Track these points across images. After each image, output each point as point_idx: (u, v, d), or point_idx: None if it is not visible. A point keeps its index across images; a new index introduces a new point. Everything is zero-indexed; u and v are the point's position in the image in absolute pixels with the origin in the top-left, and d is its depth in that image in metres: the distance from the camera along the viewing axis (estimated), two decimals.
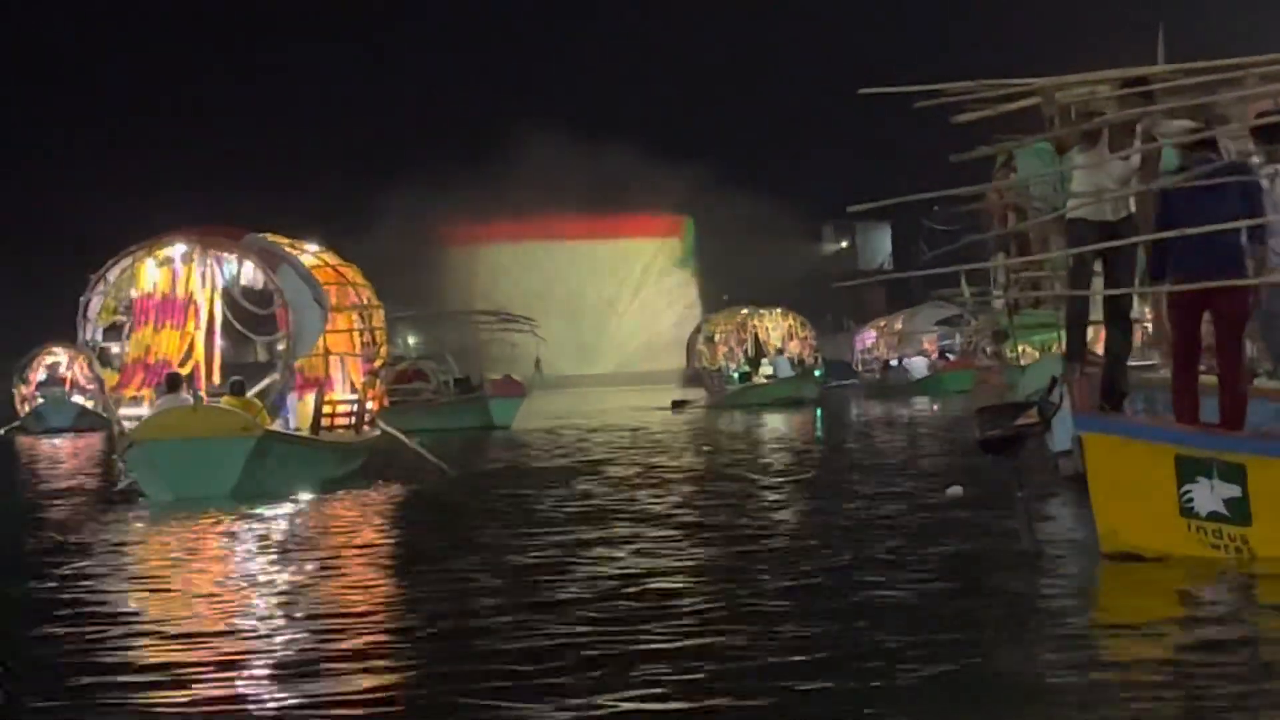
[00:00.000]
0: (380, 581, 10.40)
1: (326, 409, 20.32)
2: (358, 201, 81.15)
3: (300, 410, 19.87)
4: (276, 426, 18.56)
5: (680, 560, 10.42)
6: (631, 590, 9.03)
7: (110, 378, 18.81)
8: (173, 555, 12.38)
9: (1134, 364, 11.14)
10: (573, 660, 7.02)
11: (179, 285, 18.87)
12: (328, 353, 20.75)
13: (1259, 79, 8.95)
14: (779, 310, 51.15)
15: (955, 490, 13.48)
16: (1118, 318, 10.02)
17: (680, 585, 9.24)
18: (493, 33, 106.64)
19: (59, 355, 49.32)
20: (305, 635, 8.13)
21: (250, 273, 19.05)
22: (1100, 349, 10.55)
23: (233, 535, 13.59)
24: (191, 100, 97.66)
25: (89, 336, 18.84)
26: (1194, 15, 54.07)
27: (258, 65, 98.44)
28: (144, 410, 18.27)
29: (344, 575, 10.66)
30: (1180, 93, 9.23)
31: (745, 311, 50.97)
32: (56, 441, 36.84)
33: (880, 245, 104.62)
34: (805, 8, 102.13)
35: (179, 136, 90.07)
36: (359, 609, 8.99)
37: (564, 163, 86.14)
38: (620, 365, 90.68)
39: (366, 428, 21.15)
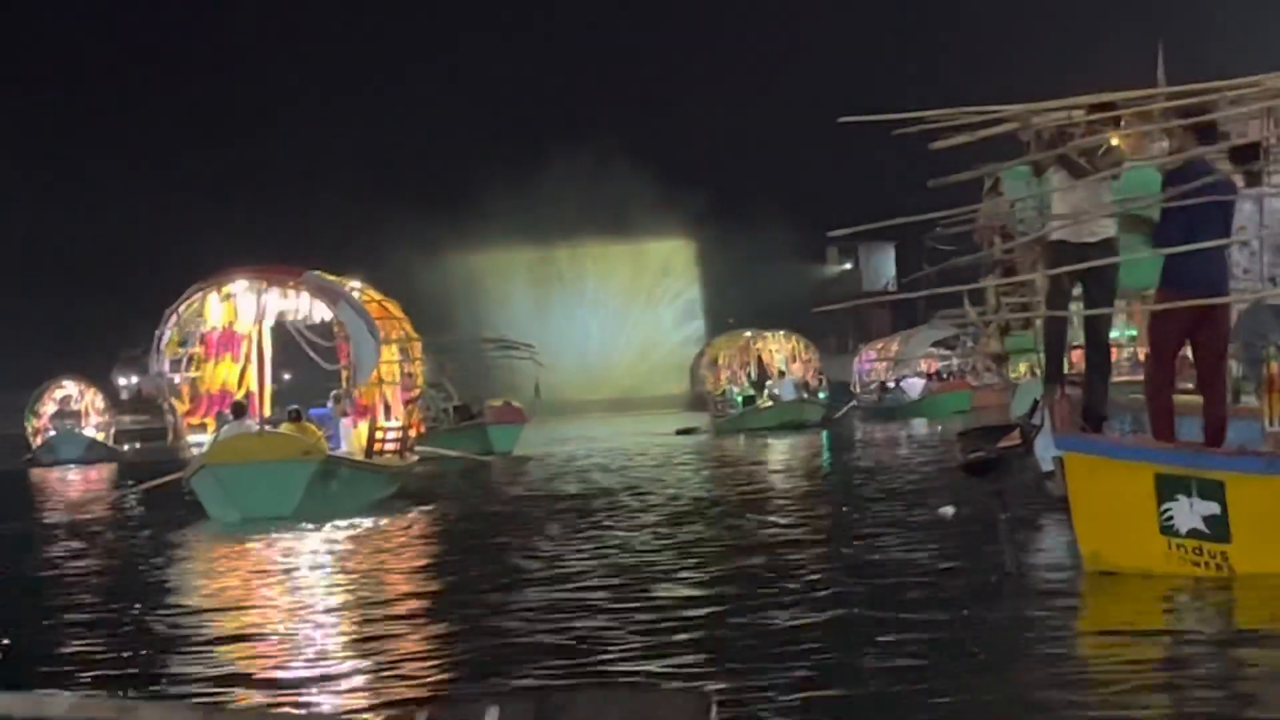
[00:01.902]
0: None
1: (378, 434, 21.51)
2: (364, 230, 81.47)
3: (353, 436, 21.07)
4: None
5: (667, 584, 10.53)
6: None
7: (180, 407, 20.18)
8: (250, 569, 13.36)
9: (1119, 381, 11.25)
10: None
11: (236, 320, 20.35)
12: (380, 382, 21.82)
13: (1229, 103, 9.09)
14: (782, 333, 51.12)
15: (947, 510, 13.58)
16: (1097, 340, 10.13)
17: (665, 611, 9.35)
18: (492, 61, 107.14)
19: (70, 388, 49.98)
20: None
21: (308, 307, 20.55)
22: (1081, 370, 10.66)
23: (304, 552, 14.62)
24: (208, 133, 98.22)
25: (159, 368, 20.25)
26: (1195, 33, 54.30)
27: (271, 95, 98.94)
28: (205, 438, 19.73)
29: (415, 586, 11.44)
30: (1150, 116, 9.36)
31: (749, 335, 50.93)
32: (70, 474, 37.00)
33: (884, 266, 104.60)
34: (804, 37, 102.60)
35: (196, 171, 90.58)
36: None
37: (572, 189, 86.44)
38: (624, 390, 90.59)
39: (406, 453, 22.47)
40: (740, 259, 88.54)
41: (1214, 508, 8.82)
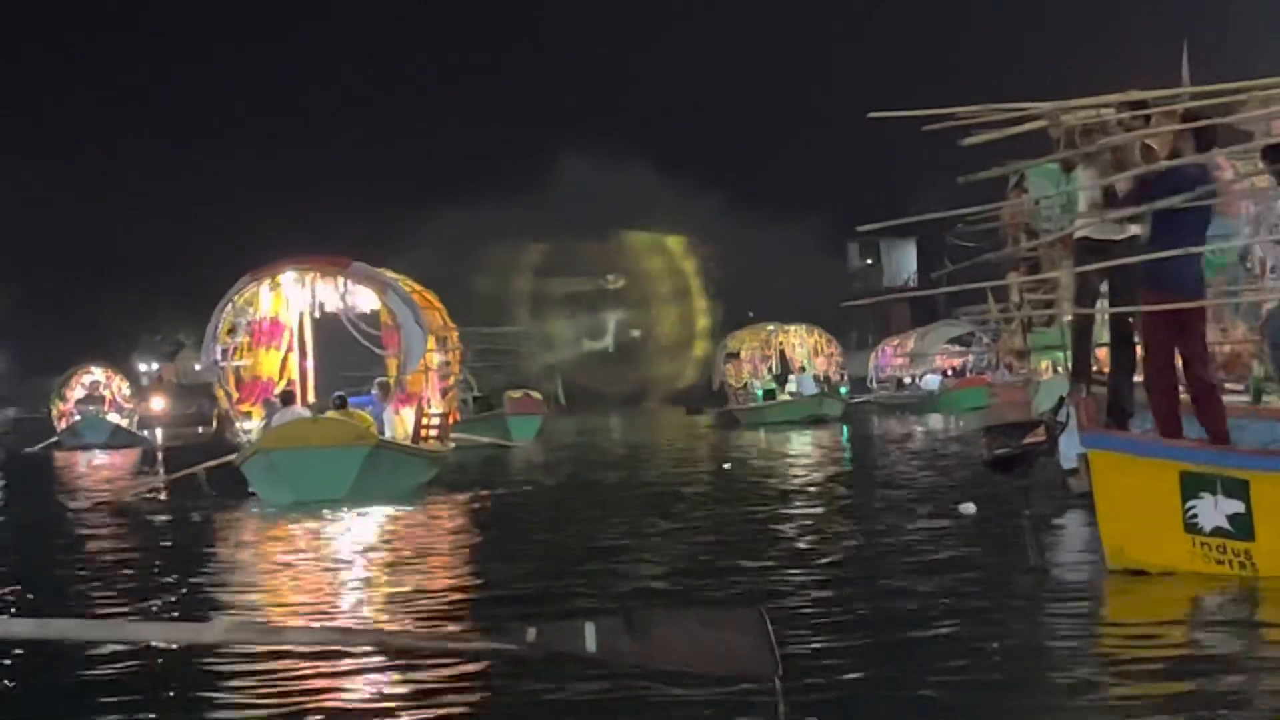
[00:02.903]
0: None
1: (424, 421, 21.99)
2: (392, 223, 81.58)
3: (396, 422, 21.48)
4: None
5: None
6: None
7: (230, 395, 20.70)
8: (311, 550, 13.95)
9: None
10: None
11: (281, 310, 21.21)
12: (426, 370, 22.20)
13: (1260, 102, 9.10)
14: (804, 327, 51.05)
15: (968, 507, 13.60)
16: (1122, 337, 10.15)
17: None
18: (507, 55, 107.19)
19: (96, 374, 50.50)
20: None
21: (355, 297, 21.14)
22: (1107, 368, 10.68)
23: (363, 532, 15.34)
24: (223, 118, 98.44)
25: (213, 356, 20.66)
26: (1221, 32, 54.08)
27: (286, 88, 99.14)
28: (251, 424, 20.50)
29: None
30: (1174, 116, 9.36)
31: (771, 328, 50.87)
32: (97, 458, 37.24)
33: (905, 262, 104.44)
34: (825, 31, 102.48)
35: (217, 152, 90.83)
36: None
37: (589, 185, 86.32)
38: (644, 384, 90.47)
39: (446, 439, 23.02)
40: (760, 253, 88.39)
41: (1238, 506, 8.84)
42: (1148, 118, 9.41)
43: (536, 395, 39.80)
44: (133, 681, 7.32)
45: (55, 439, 46.26)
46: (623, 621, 4.87)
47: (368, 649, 7.17)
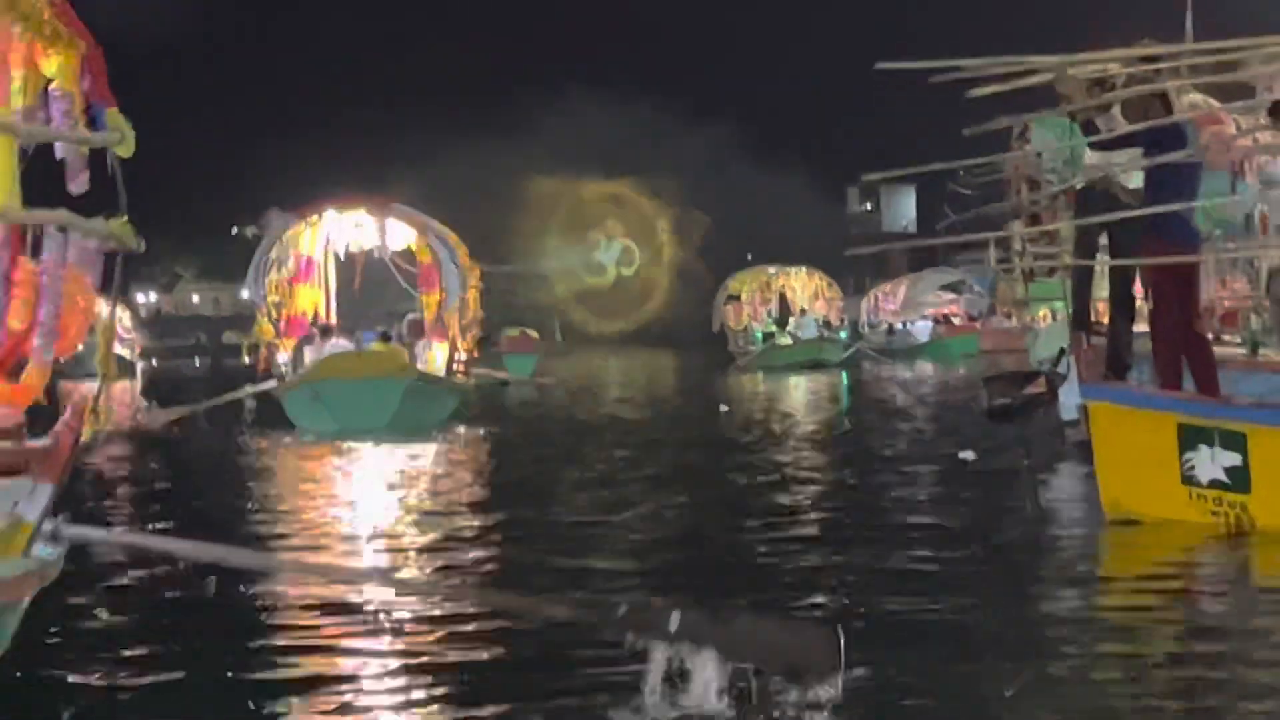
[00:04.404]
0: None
1: (458, 356, 22.63)
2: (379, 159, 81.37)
3: (427, 357, 21.93)
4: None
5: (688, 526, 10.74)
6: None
7: (268, 330, 21.77)
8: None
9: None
10: None
11: (315, 248, 22.28)
12: (461, 306, 22.85)
13: (1263, 59, 9.16)
14: (805, 269, 50.76)
15: (968, 454, 13.74)
16: (1123, 288, 10.25)
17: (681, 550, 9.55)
18: None
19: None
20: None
21: (396, 237, 22.21)
22: (1107, 319, 10.79)
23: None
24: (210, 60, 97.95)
25: (263, 291, 21.74)
26: None
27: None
28: (283, 357, 21.53)
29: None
30: (1185, 72, 9.44)
31: (772, 271, 50.50)
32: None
33: (904, 208, 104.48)
34: None
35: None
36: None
37: (585, 123, 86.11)
38: (642, 323, 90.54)
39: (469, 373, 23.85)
40: (759, 196, 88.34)
41: (1235, 459, 8.95)
42: (1158, 71, 9.47)
43: (533, 334, 39.98)
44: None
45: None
46: (708, 613, 5.24)
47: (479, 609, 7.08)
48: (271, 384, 21.35)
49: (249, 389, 21.82)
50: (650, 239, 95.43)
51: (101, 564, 8.52)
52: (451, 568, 8.72)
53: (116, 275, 5.51)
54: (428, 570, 8.70)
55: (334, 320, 22.68)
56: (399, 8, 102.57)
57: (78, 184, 5.37)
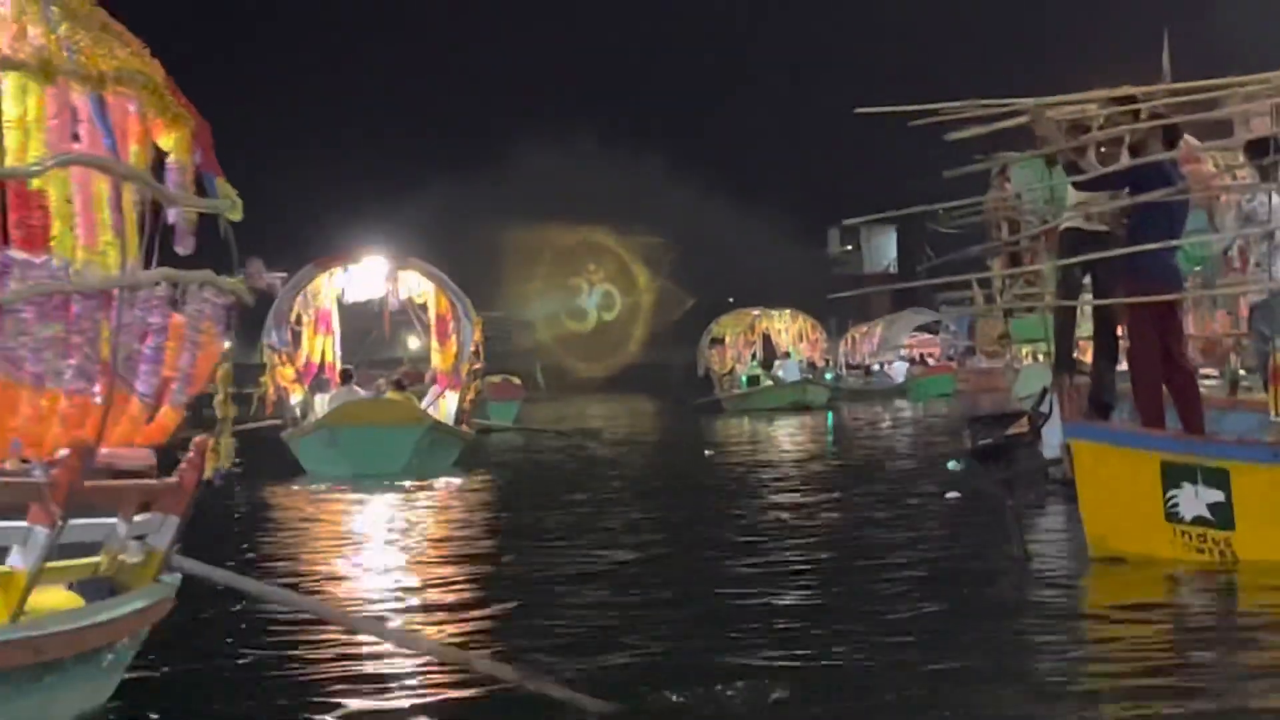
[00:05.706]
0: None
1: (465, 405, 22.78)
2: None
3: (439, 406, 22.37)
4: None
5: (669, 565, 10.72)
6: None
7: (287, 373, 21.81)
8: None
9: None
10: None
11: (340, 295, 22.81)
12: (474, 358, 23.12)
13: (1242, 98, 9.25)
14: (789, 311, 50.62)
15: (953, 495, 13.76)
16: (1106, 328, 10.30)
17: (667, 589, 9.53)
18: (486, 40, 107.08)
19: None
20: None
21: (407, 288, 22.66)
22: (1089, 359, 10.83)
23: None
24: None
25: (284, 337, 21.74)
26: (1201, 22, 54.29)
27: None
28: (295, 399, 21.76)
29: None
30: (1161, 113, 9.52)
31: (756, 313, 50.33)
32: None
33: (885, 249, 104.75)
34: (805, 25, 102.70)
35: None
36: None
37: (563, 172, 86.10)
38: (624, 368, 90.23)
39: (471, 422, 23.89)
40: (741, 238, 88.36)
41: (1219, 495, 8.99)
42: (1136, 114, 9.55)
43: (515, 380, 39.90)
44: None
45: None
46: None
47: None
48: (264, 424, 21.31)
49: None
50: (630, 285, 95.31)
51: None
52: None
53: (233, 325, 6.18)
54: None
55: (339, 366, 23.19)
56: (375, 56, 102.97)
57: (185, 245, 5.93)
